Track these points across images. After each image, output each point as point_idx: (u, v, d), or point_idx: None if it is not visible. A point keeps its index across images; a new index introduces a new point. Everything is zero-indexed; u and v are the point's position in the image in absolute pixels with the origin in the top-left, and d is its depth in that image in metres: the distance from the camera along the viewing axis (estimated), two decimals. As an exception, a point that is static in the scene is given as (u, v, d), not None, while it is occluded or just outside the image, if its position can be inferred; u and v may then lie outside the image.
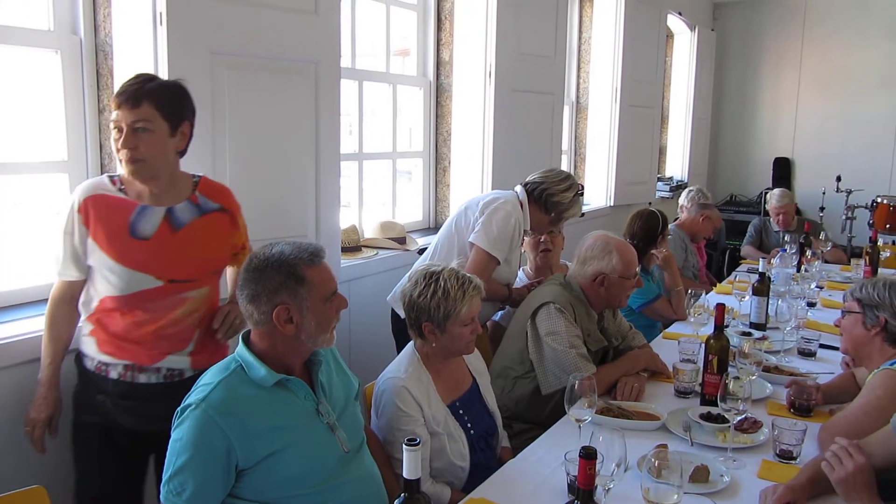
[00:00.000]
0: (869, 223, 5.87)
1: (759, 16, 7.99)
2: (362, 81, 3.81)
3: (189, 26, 2.43)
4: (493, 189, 4.19)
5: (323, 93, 2.94)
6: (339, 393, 1.94)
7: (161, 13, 2.35)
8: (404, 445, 1.34)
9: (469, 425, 2.25)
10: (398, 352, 3.12)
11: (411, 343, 2.29)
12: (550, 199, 3.05)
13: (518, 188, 3.11)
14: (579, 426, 2.00)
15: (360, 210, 3.90)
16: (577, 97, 6.01)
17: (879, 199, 5.85)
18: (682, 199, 5.25)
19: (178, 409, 1.71)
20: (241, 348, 1.81)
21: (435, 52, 4.27)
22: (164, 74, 2.36)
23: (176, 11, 2.37)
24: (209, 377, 1.76)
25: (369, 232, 3.84)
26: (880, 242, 4.82)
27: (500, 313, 3.37)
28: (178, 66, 2.39)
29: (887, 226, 5.72)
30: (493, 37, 4.11)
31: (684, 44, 7.54)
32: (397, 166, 4.21)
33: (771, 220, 5.62)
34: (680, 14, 7.05)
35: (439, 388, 2.21)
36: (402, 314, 3.06)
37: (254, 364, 1.76)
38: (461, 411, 2.25)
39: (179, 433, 1.67)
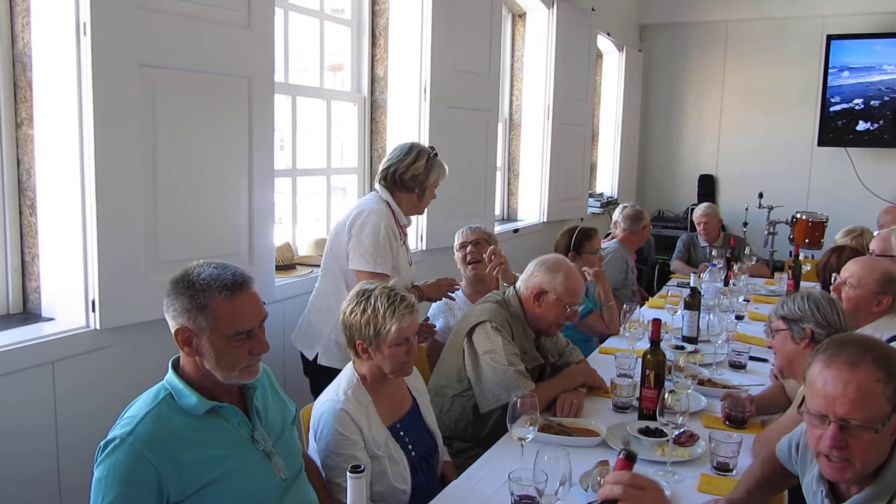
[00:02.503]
0: (789, 238, 6.09)
1: (684, 38, 8.26)
2: (296, 97, 3.74)
3: (116, 37, 2.33)
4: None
5: (256, 108, 2.87)
6: (276, 419, 1.87)
7: (85, 23, 2.25)
8: (349, 473, 1.30)
9: (410, 447, 2.21)
10: (313, 394, 3.08)
11: (350, 364, 2.23)
12: (405, 176, 2.94)
13: (377, 186, 3.02)
14: (522, 445, 1.99)
15: (294, 227, 3.82)
16: (511, 114, 6.07)
17: (799, 215, 6.07)
18: (617, 215, 5.36)
19: (101, 443, 1.61)
20: (170, 375, 1.72)
21: (369, 68, 4.24)
22: (87, 87, 2.27)
23: (101, 21, 2.27)
24: (136, 408, 1.67)
25: (303, 249, 3.77)
26: (801, 256, 5.00)
27: (437, 325, 3.34)
28: (103, 78, 2.29)
29: (806, 240, 5.94)
30: (428, 53, 4.11)
31: (613, 64, 7.73)
32: (331, 182, 4.15)
33: (698, 235, 5.79)
34: (609, 35, 7.22)
35: (379, 410, 2.16)
36: (310, 356, 2.98)
37: (184, 391, 1.68)
38: (402, 433, 2.21)
39: (103, 470, 1.57)
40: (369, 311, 2.09)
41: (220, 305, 1.66)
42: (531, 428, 1.99)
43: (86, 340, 2.43)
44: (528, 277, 2.74)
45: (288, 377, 3.29)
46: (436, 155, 3.02)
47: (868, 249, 3.98)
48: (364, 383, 2.16)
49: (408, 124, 4.18)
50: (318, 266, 3.57)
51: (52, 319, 2.50)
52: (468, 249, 3.40)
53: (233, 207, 2.83)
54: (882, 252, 3.44)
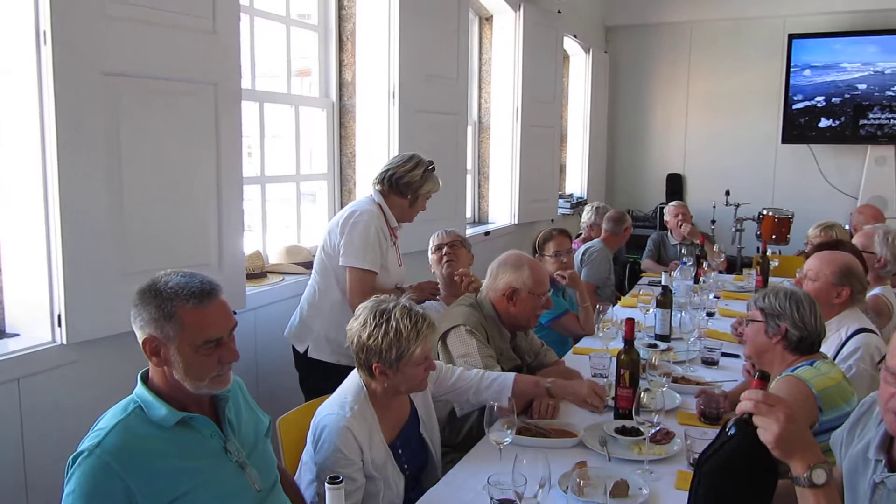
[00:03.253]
0: (756, 234, 6.18)
1: (649, 40, 8.35)
2: (263, 103, 3.70)
3: (77, 46, 2.28)
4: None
5: (223, 114, 2.83)
6: (249, 430, 1.84)
7: (45, 31, 2.19)
8: (327, 484, 1.28)
9: (406, 466, 2.17)
10: (302, 386, 3.06)
11: (356, 374, 2.16)
12: (401, 181, 3.05)
13: (372, 189, 3.12)
14: (500, 448, 1.98)
15: (265, 235, 3.78)
16: (480, 117, 6.08)
17: (765, 212, 6.17)
18: (589, 216, 5.40)
19: (70, 457, 1.57)
20: (139, 387, 1.69)
21: (337, 73, 4.21)
22: (49, 97, 2.22)
23: (62, 30, 2.22)
24: (104, 421, 1.63)
25: (274, 257, 3.73)
26: (769, 252, 5.07)
27: None
28: (65, 88, 2.24)
29: (773, 236, 6.04)
30: (396, 58, 4.10)
31: (580, 65, 7.79)
32: (301, 189, 4.11)
33: (669, 233, 5.83)
34: (575, 37, 7.27)
35: (383, 427, 2.11)
36: (301, 349, 3.00)
37: (153, 403, 1.65)
38: (400, 451, 2.16)
39: (72, 485, 1.54)
40: (391, 333, 2.02)
41: (188, 314, 1.63)
42: (508, 431, 1.98)
43: (52, 356, 2.37)
44: (495, 280, 2.75)
45: (261, 385, 3.25)
46: (433, 169, 3.14)
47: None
48: (372, 399, 2.11)
49: (377, 129, 4.16)
50: (290, 273, 3.56)
51: (16, 335, 2.44)
52: (444, 251, 3.41)
53: (201, 216, 2.79)
54: (863, 248, 3.50)
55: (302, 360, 3.07)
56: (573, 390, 2.53)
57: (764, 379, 1.48)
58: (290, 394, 3.10)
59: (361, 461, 2.02)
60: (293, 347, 3.10)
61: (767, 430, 1.39)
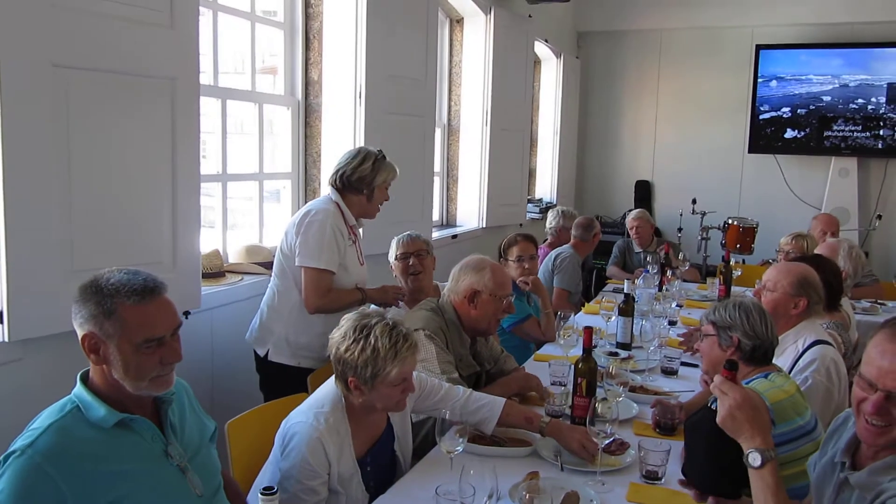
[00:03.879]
0: (721, 243, 6.23)
1: (620, 46, 8.39)
2: (225, 99, 3.64)
3: (25, 36, 2.20)
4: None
5: (180, 110, 2.76)
6: (193, 434, 1.79)
7: (-11, 20, 2.13)
8: (260, 494, 1.24)
9: (372, 483, 2.12)
10: (262, 389, 3.01)
11: (335, 385, 2.09)
12: (352, 178, 2.99)
13: (328, 189, 3.08)
14: (451, 457, 1.95)
15: (225, 233, 3.71)
16: (449, 120, 6.05)
17: (730, 221, 6.21)
18: (556, 221, 5.39)
19: (2, 456, 1.52)
20: (78, 387, 1.64)
21: (303, 71, 4.16)
22: (-6, 87, 2.15)
23: (9, 19, 2.14)
24: (40, 420, 1.58)
25: (234, 256, 3.66)
26: (732, 262, 5.12)
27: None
28: (13, 79, 2.17)
29: (738, 245, 6.08)
30: (363, 58, 4.05)
31: (551, 70, 7.79)
32: (265, 188, 4.05)
33: (633, 241, 5.87)
34: (546, 41, 7.28)
35: (355, 442, 2.06)
36: (261, 353, 2.94)
37: (92, 403, 1.60)
38: (369, 468, 2.12)
39: (1, 485, 1.48)
40: (368, 350, 1.96)
41: (129, 311, 1.59)
42: (460, 440, 1.96)
43: (-7, 353, 2.29)
44: (456, 283, 2.73)
45: (216, 387, 3.19)
46: (383, 157, 3.07)
47: (807, 252, 4.10)
48: (349, 411, 2.06)
49: (343, 129, 4.11)
50: (249, 273, 3.51)
51: (-43, 332, 2.35)
52: (411, 262, 3.33)
53: (155, 213, 2.72)
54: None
55: (262, 363, 3.01)
56: (566, 439, 2.30)
57: (731, 368, 1.71)
58: (247, 398, 3.03)
59: (328, 475, 1.97)
60: (254, 352, 3.04)
61: (718, 411, 1.67)
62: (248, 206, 4.08)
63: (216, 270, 3.36)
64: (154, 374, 1.63)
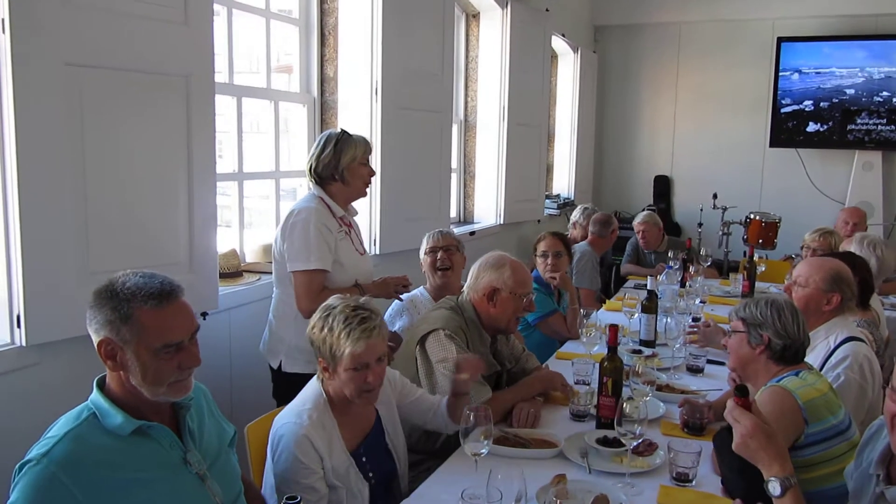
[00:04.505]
0: (743, 238, 6.13)
1: (638, 40, 8.29)
2: (241, 98, 3.60)
3: (39, 34, 2.18)
4: (381, 207, 4.09)
5: (196, 108, 2.73)
6: (212, 440, 1.75)
7: (3, 19, 2.09)
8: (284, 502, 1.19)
9: (371, 474, 2.10)
10: (275, 397, 2.95)
11: (315, 381, 2.10)
12: (327, 168, 2.84)
13: (308, 184, 2.93)
14: (476, 460, 1.90)
15: (242, 233, 3.68)
16: (466, 115, 5.99)
17: (752, 216, 6.11)
18: (575, 216, 5.34)
19: (18, 465, 1.49)
20: (94, 394, 1.60)
21: (319, 68, 4.12)
22: (7, 88, 2.12)
23: (22, 18, 2.12)
24: (56, 428, 1.55)
25: (251, 256, 3.63)
26: (756, 257, 5.02)
27: (398, 324, 3.25)
28: (24, 78, 2.14)
29: (760, 241, 5.98)
30: (379, 53, 4.01)
31: (568, 65, 7.71)
32: (281, 185, 4.02)
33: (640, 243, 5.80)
34: (563, 36, 7.20)
35: (345, 434, 2.04)
36: (274, 364, 2.87)
37: (109, 410, 1.56)
38: (364, 458, 2.09)
39: (16, 494, 1.45)
40: (326, 329, 1.99)
41: (147, 316, 1.55)
42: (485, 442, 1.90)
43: (11, 358, 2.27)
44: (476, 280, 2.67)
45: (235, 388, 3.16)
46: (346, 135, 2.90)
47: (834, 249, 4.01)
48: (330, 403, 2.04)
49: (359, 125, 4.06)
50: (267, 273, 3.47)
51: (-26, 336, 2.33)
52: (439, 255, 3.28)
53: (171, 213, 2.69)
54: None
55: (277, 375, 2.89)
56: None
57: (740, 394, 1.67)
58: (267, 400, 3.00)
59: (322, 469, 1.95)
60: (269, 364, 2.93)
61: (734, 439, 1.67)
62: (264, 204, 4.05)
63: (233, 270, 3.33)
64: (172, 380, 1.60)
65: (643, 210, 7.81)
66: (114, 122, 2.45)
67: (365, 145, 2.91)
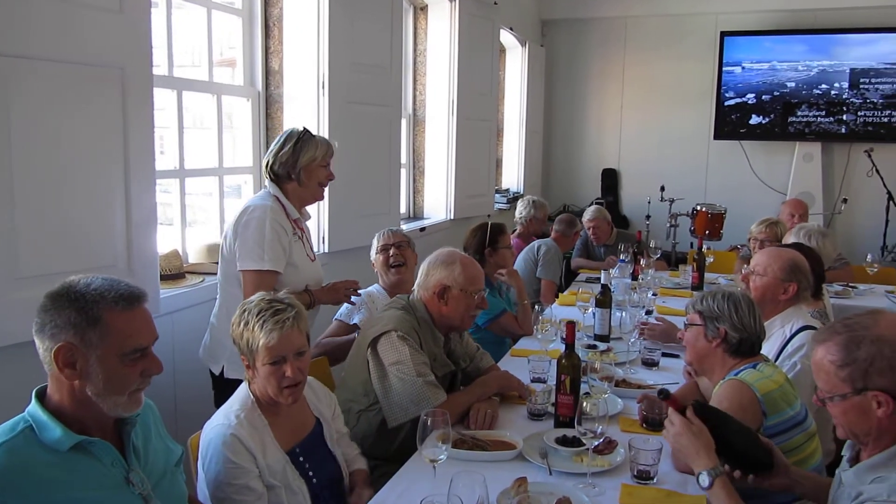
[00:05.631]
0: (690, 230, 6.20)
1: (585, 34, 8.32)
2: (181, 91, 3.46)
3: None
4: (330, 204, 3.99)
5: (132, 102, 2.59)
6: (157, 459, 1.65)
7: (-83, 4, 1.94)
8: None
9: (311, 474, 2.03)
10: (217, 407, 2.82)
11: (245, 384, 2.04)
12: (284, 166, 2.73)
13: (264, 181, 2.83)
14: (434, 466, 1.83)
15: (184, 232, 3.54)
16: (415, 110, 5.91)
17: (698, 207, 6.18)
18: (527, 211, 5.32)
19: None
20: (32, 405, 1.49)
21: (263, 61, 3.99)
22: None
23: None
24: None
25: (194, 256, 3.49)
26: (704, 248, 5.08)
27: (356, 318, 3.17)
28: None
29: (706, 232, 6.06)
30: (326, 46, 3.90)
31: (516, 59, 7.69)
32: (225, 182, 3.88)
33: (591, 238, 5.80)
34: (511, 30, 7.17)
35: (276, 434, 1.97)
36: (216, 370, 2.76)
37: (47, 423, 1.45)
38: (301, 458, 2.02)
39: None
40: (243, 324, 1.95)
41: (116, 318, 1.47)
42: (443, 447, 1.83)
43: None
44: (426, 278, 2.60)
45: (179, 398, 3.03)
46: (308, 135, 2.79)
47: (779, 239, 4.06)
48: (259, 404, 1.98)
49: (306, 120, 3.94)
50: (212, 274, 3.33)
51: None
52: (391, 252, 3.23)
53: (107, 213, 2.54)
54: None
55: (219, 382, 2.76)
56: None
57: (664, 398, 1.86)
58: (212, 408, 2.87)
59: (256, 468, 1.88)
60: (209, 370, 2.81)
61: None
62: (208, 202, 3.90)
63: (175, 272, 3.19)
64: (134, 388, 1.52)
65: (591, 204, 7.87)
66: (43, 116, 2.30)
67: (326, 147, 2.81)
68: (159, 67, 3.26)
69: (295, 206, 2.78)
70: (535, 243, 5.00)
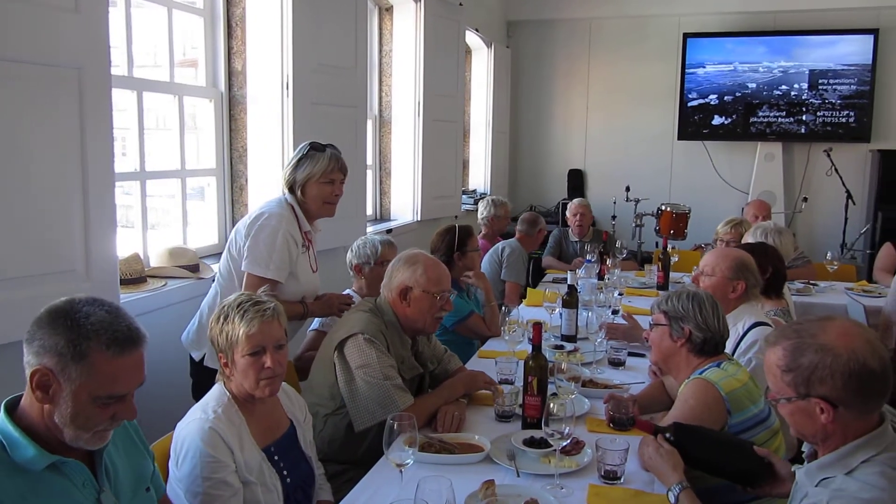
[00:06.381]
0: (655, 229, 6.27)
1: (550, 35, 8.36)
2: (142, 91, 3.39)
3: None
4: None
5: (90, 103, 2.53)
6: (127, 475, 1.60)
7: None
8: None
9: (285, 472, 2.01)
10: (195, 396, 2.80)
11: (219, 384, 2.01)
12: (289, 180, 2.83)
13: (283, 190, 2.89)
14: (401, 471, 1.82)
15: (145, 235, 3.47)
16: (381, 111, 5.88)
17: (663, 207, 6.25)
18: (488, 210, 5.32)
19: None
20: (2, 420, 1.42)
21: (226, 62, 3.93)
22: None
23: None
24: None
25: (156, 260, 3.42)
26: (668, 248, 5.13)
27: (316, 319, 3.16)
28: None
29: (671, 231, 6.12)
30: (290, 46, 3.86)
31: (482, 60, 7.70)
32: (188, 185, 3.81)
33: (570, 230, 5.82)
34: (477, 31, 7.18)
35: (253, 431, 1.95)
36: (197, 357, 2.75)
37: (19, 441, 1.39)
38: (276, 457, 2.00)
39: None
40: (223, 319, 1.94)
41: (103, 361, 1.40)
42: (410, 451, 1.82)
43: None
44: (390, 279, 2.58)
45: (142, 412, 2.95)
46: (313, 149, 2.83)
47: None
48: (235, 402, 1.95)
49: (270, 121, 3.91)
50: (173, 277, 3.28)
51: None
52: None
53: (65, 216, 2.48)
54: None
55: (197, 368, 2.81)
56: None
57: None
58: (177, 417, 2.82)
59: (234, 463, 1.85)
60: (190, 356, 2.85)
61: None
62: (170, 204, 3.84)
63: (136, 276, 3.12)
64: (101, 428, 1.46)
65: (557, 205, 7.92)
66: (-2, 117, 2.23)
67: (327, 164, 2.83)
68: (118, 68, 3.20)
69: (306, 217, 2.86)
70: (499, 245, 5.00)
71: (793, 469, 1.73)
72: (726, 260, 2.81)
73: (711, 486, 1.98)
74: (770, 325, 2.71)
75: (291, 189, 2.85)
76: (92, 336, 1.40)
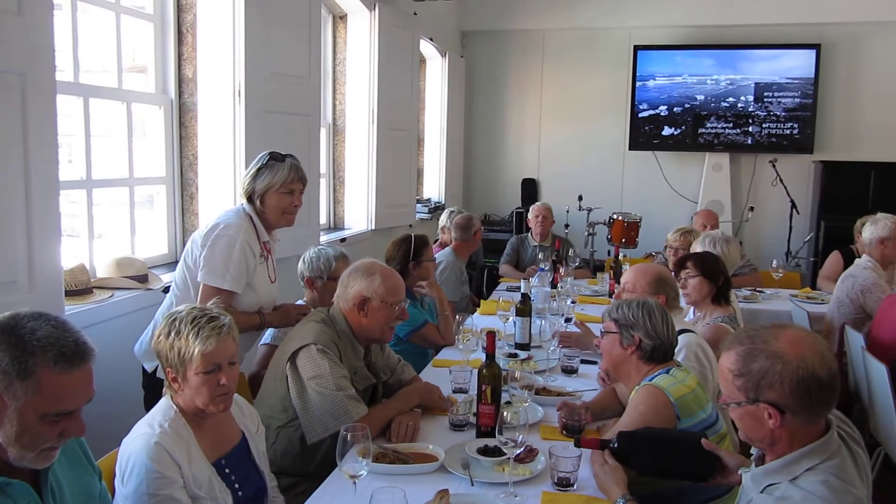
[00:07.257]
0: (607, 238, 6.36)
1: (504, 45, 8.43)
2: (88, 98, 3.32)
3: None
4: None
5: (33, 109, 2.46)
6: (74, 494, 1.56)
7: None
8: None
9: (237, 486, 1.97)
10: (147, 407, 2.74)
11: (165, 398, 1.96)
12: (247, 189, 2.80)
13: (241, 200, 2.86)
14: (354, 482, 1.80)
15: (91, 245, 3.38)
16: (334, 119, 5.86)
17: (615, 216, 6.35)
18: (444, 220, 5.31)
19: None
20: None
21: (176, 68, 3.87)
22: None
23: None
24: None
25: (102, 270, 3.34)
26: (620, 256, 5.20)
27: (268, 333, 3.11)
28: None
29: (623, 240, 6.22)
30: (242, 53, 3.81)
31: (436, 69, 7.73)
32: (136, 193, 3.74)
33: (531, 234, 5.84)
34: (431, 40, 7.21)
35: (202, 445, 1.91)
36: (149, 368, 2.69)
37: None
38: (227, 470, 1.96)
39: None
40: (173, 333, 1.87)
41: (49, 378, 1.36)
42: (363, 462, 1.81)
43: None
44: (345, 290, 2.56)
45: (90, 426, 2.87)
46: (272, 159, 2.80)
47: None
48: (183, 415, 1.90)
49: (221, 129, 3.86)
50: (121, 289, 3.22)
51: None
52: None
53: (5, 225, 2.40)
54: None
55: (150, 379, 2.73)
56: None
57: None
58: (126, 433, 2.76)
59: (182, 478, 1.81)
60: (142, 367, 2.78)
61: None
62: (117, 213, 3.75)
63: (82, 287, 3.04)
64: (47, 446, 1.41)
65: (511, 213, 7.98)
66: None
67: (286, 174, 2.80)
68: (64, 73, 3.13)
69: (265, 227, 2.83)
70: (436, 257, 4.91)
71: (739, 472, 1.76)
72: (645, 276, 2.93)
73: (660, 491, 2.02)
74: (693, 332, 2.82)
75: (250, 199, 2.81)
76: (38, 352, 1.35)
